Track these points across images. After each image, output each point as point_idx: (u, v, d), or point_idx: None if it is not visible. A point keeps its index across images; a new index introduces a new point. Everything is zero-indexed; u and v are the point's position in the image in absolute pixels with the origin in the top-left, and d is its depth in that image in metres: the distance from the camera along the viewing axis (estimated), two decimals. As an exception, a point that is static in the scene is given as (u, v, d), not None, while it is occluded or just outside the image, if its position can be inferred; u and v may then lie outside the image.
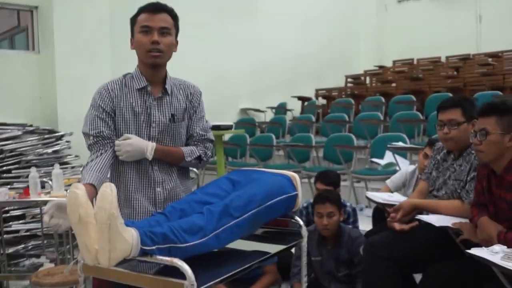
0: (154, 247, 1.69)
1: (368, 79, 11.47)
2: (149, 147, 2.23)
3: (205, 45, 9.11)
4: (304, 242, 2.23)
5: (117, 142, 2.23)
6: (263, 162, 7.19)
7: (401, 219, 2.93)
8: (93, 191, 2.03)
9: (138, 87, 2.29)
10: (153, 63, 2.26)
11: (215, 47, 9.35)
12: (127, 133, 2.26)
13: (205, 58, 9.12)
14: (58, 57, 7.04)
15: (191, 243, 1.77)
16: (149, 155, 2.23)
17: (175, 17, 2.32)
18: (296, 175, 2.26)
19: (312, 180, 6.35)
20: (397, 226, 2.93)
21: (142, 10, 2.27)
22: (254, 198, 2.00)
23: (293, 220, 2.25)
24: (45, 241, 4.95)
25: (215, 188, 2.13)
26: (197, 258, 1.80)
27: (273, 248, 2.11)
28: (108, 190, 1.62)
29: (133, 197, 2.26)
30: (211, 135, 2.48)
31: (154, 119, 2.29)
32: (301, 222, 2.24)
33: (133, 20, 2.30)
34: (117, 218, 1.61)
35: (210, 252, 1.90)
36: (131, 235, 1.65)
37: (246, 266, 1.88)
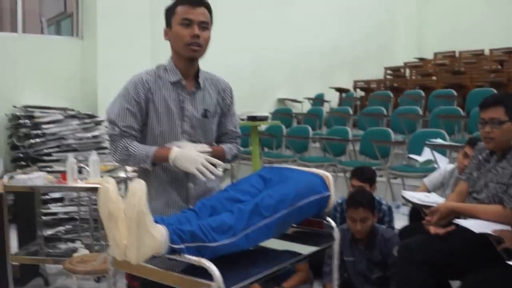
0: (182, 246, 1.69)
1: (407, 71, 11.25)
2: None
3: (243, 33, 9.08)
4: (336, 245, 2.20)
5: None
6: (299, 154, 7.14)
7: (437, 222, 2.85)
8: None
9: (173, 80, 2.25)
10: (192, 57, 2.23)
11: (253, 35, 9.28)
12: (159, 126, 2.22)
13: (242, 47, 9.09)
14: (100, 43, 7.17)
15: (220, 243, 1.77)
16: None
17: (211, 11, 2.27)
18: (329, 175, 2.22)
19: (348, 175, 6.30)
20: (432, 229, 2.84)
21: (181, 2, 2.22)
22: (285, 197, 1.98)
23: (325, 222, 2.22)
24: (81, 225, 5.05)
25: (246, 185, 2.12)
26: (226, 257, 1.79)
27: (305, 249, 2.09)
28: (138, 187, 1.62)
29: (164, 191, 2.23)
30: (239, 129, 2.48)
31: (187, 113, 2.25)
32: (334, 224, 2.21)
33: (171, 11, 2.24)
34: (146, 215, 1.61)
35: (240, 251, 1.88)
36: (160, 233, 1.65)
37: (277, 267, 1.86)
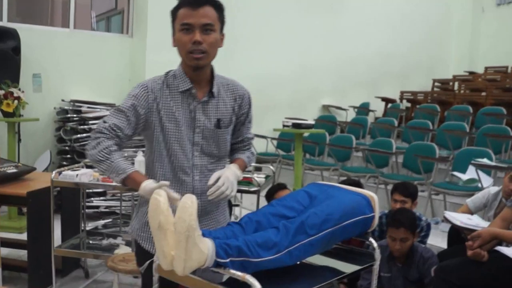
0: (227, 260, 1.71)
1: (456, 85, 11.03)
2: None
3: (290, 39, 9.07)
4: (377, 265, 2.19)
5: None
6: (341, 162, 7.11)
7: (478, 248, 2.82)
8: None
9: (182, 89, 2.11)
10: (196, 65, 2.06)
11: (300, 42, 9.27)
12: (165, 139, 2.10)
13: (289, 52, 9.09)
14: (149, 41, 7.26)
15: (264, 258, 1.79)
16: None
17: (219, 8, 2.07)
18: (375, 196, 2.21)
19: (389, 187, 6.26)
20: (472, 254, 2.83)
21: (182, 3, 2.05)
22: (330, 217, 1.98)
23: (367, 242, 2.22)
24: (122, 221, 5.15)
25: (292, 201, 2.13)
26: (269, 272, 1.82)
27: (346, 267, 2.09)
28: (189, 202, 1.66)
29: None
30: (252, 133, 2.38)
31: (199, 124, 2.12)
32: (375, 244, 2.20)
33: (173, 14, 2.09)
34: (195, 230, 1.65)
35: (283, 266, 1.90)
36: (207, 247, 1.69)
37: (320, 284, 1.87)
